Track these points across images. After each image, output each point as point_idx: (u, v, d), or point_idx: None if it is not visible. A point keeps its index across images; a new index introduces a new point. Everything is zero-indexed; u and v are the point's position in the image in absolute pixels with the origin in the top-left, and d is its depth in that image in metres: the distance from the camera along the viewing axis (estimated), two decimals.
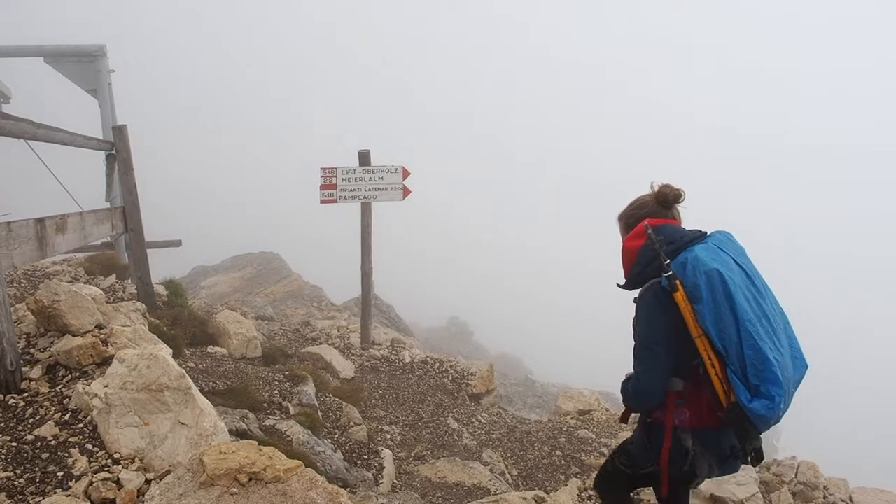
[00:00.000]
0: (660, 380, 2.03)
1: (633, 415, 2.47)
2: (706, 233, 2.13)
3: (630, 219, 2.26)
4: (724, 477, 3.91)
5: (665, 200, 2.17)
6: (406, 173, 7.00)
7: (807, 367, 2.03)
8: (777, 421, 1.86)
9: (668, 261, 1.97)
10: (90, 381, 2.94)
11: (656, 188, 2.22)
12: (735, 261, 1.97)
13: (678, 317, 1.92)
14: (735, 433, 1.94)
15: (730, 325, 1.82)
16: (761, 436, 1.93)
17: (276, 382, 4.94)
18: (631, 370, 2.15)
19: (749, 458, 1.97)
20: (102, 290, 5.29)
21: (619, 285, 2.23)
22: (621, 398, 2.20)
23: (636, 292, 2.14)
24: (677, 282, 1.91)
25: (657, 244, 2.02)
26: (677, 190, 2.18)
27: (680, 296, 1.90)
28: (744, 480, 3.98)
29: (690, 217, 2.24)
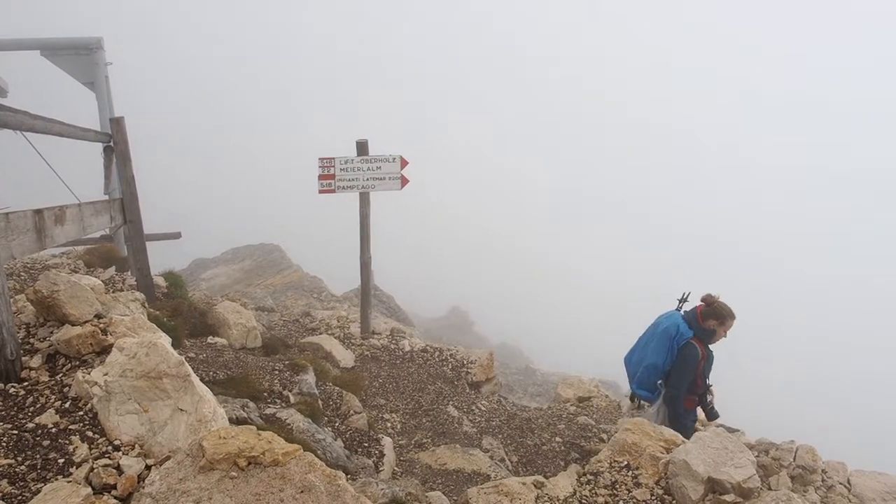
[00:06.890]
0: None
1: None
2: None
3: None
4: (722, 460, 3.99)
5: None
6: (404, 163, 6.98)
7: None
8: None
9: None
10: (90, 369, 2.96)
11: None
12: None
13: None
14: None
15: None
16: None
17: (277, 372, 4.96)
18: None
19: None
20: (102, 281, 5.29)
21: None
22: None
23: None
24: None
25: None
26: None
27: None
28: (741, 463, 3.99)
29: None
